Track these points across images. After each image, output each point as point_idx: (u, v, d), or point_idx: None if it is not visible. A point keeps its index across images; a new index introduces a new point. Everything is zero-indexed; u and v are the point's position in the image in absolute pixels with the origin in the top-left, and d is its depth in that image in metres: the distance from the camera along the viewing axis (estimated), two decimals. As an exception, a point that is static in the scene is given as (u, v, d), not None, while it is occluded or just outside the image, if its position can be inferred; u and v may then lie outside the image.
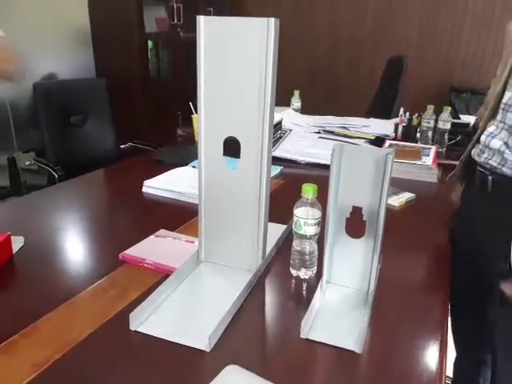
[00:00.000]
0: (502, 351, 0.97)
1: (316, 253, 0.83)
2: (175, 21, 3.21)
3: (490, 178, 0.94)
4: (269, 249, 0.87)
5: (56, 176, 1.96)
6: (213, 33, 0.72)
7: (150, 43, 3.41)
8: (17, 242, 0.92)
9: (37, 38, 2.48)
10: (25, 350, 0.63)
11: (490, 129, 0.94)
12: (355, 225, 0.76)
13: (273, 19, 0.68)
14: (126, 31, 3.21)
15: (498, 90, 0.94)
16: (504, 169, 0.90)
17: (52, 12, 2.57)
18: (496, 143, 0.91)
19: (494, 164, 0.92)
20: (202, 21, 0.72)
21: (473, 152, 1.01)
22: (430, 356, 0.65)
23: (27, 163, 2.55)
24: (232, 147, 0.78)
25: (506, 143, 0.89)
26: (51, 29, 2.58)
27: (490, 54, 2.96)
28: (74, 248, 0.97)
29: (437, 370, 0.62)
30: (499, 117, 0.92)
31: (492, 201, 0.96)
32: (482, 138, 0.96)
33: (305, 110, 2.17)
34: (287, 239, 0.94)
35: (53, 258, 0.90)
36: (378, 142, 1.72)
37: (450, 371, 1.33)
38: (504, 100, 0.91)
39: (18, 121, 2.45)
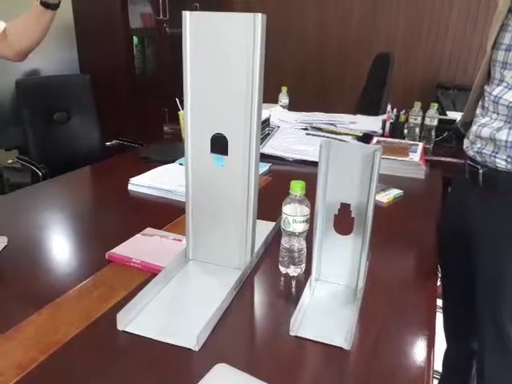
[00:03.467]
0: (489, 342, 0.98)
1: (305, 250, 0.82)
2: (161, 16, 3.18)
3: (480, 171, 0.95)
4: (257, 246, 0.87)
5: (40, 174, 1.92)
6: (199, 28, 0.71)
7: (135, 39, 3.36)
8: (0, 242, 0.90)
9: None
10: (9, 351, 0.62)
11: (483, 120, 0.95)
12: (343, 222, 0.76)
13: (259, 14, 0.68)
14: (111, 27, 3.17)
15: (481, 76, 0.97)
16: (497, 159, 0.91)
17: (34, 7, 2.52)
18: (486, 131, 0.92)
19: (488, 153, 0.93)
20: (187, 16, 0.71)
21: (464, 145, 1.02)
22: (418, 351, 0.65)
23: (10, 161, 2.50)
24: (219, 144, 0.77)
25: (498, 129, 0.90)
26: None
27: (476, 50, 3.00)
28: (59, 247, 0.95)
29: (425, 364, 0.63)
30: (491, 108, 0.94)
31: (483, 194, 0.97)
32: (474, 128, 0.97)
33: (292, 106, 2.17)
34: (276, 237, 0.94)
35: (37, 257, 0.88)
36: (366, 138, 1.73)
37: (437, 366, 1.35)
38: (494, 93, 0.92)
39: None
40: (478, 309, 1.00)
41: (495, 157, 0.91)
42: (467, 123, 1.08)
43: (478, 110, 0.99)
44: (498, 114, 0.92)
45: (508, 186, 0.91)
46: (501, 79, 0.91)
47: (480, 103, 0.99)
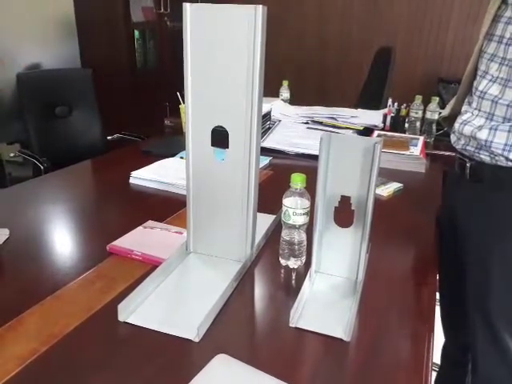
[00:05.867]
0: (480, 337, 0.99)
1: (305, 242, 0.83)
2: (162, 10, 3.17)
3: (468, 164, 0.95)
4: (258, 239, 0.87)
5: (42, 168, 1.93)
6: (199, 20, 0.71)
7: (136, 33, 3.35)
8: (1, 235, 0.90)
9: (20, 27, 2.42)
10: (10, 343, 0.62)
11: (464, 117, 0.95)
12: (344, 214, 0.76)
13: (260, 6, 0.67)
14: (112, 20, 3.15)
15: (469, 69, 0.97)
16: (482, 155, 0.91)
17: (36, 0, 2.51)
18: (467, 129, 0.93)
19: (472, 149, 0.93)
20: (188, 8, 0.71)
21: (452, 140, 1.02)
22: (417, 343, 0.66)
23: (11, 155, 2.50)
24: (220, 137, 0.77)
25: (478, 127, 0.90)
26: (35, 17, 2.52)
27: (476, 45, 2.98)
28: (61, 240, 0.95)
29: (424, 357, 0.63)
30: (474, 104, 0.94)
31: (470, 187, 0.97)
32: (456, 125, 0.97)
33: (294, 100, 2.16)
34: (276, 229, 0.94)
35: (39, 250, 0.89)
36: (367, 132, 1.72)
37: (436, 358, 1.35)
38: (480, 88, 0.92)
39: (1, 112, 2.40)
40: (468, 304, 1.01)
41: (479, 153, 0.92)
42: (447, 118, 1.09)
43: (464, 107, 0.99)
44: (479, 110, 0.92)
45: (493, 180, 0.91)
46: (485, 71, 0.91)
47: (466, 100, 1.00)
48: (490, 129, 0.88)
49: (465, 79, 1.00)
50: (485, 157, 0.91)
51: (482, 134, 0.89)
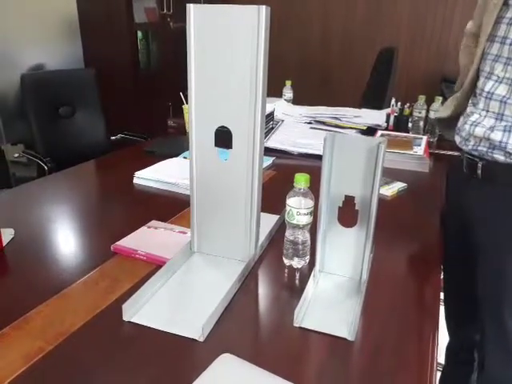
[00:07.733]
0: (490, 338, 0.99)
1: (309, 242, 0.83)
2: (165, 10, 3.17)
3: (479, 164, 0.95)
4: (262, 239, 0.87)
5: (46, 168, 1.94)
6: (203, 21, 0.71)
7: (139, 33, 3.36)
8: (6, 235, 0.91)
9: (24, 28, 2.43)
10: (16, 342, 0.63)
11: (473, 118, 0.95)
12: (347, 214, 0.76)
13: (264, 7, 0.68)
14: (115, 21, 3.16)
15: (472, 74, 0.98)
16: (495, 155, 0.91)
17: (39, 1, 2.52)
18: (479, 131, 0.92)
19: (484, 149, 0.93)
20: (191, 9, 0.71)
21: (457, 141, 1.02)
22: (422, 343, 0.66)
23: (16, 155, 2.51)
24: (224, 138, 0.78)
25: (490, 128, 0.90)
26: (38, 18, 2.53)
27: (480, 44, 2.96)
28: (65, 240, 0.96)
29: (428, 357, 0.63)
30: (481, 105, 0.94)
31: (481, 186, 0.97)
32: (466, 127, 0.97)
33: (297, 100, 2.16)
34: (280, 229, 0.94)
35: (44, 250, 0.89)
36: (370, 132, 1.72)
37: (440, 358, 1.35)
38: (486, 89, 0.92)
39: (5, 112, 2.41)
40: (479, 305, 1.00)
41: (492, 152, 0.91)
42: (443, 119, 1.11)
43: (469, 108, 0.99)
44: (487, 111, 0.92)
45: (507, 179, 0.91)
46: (490, 72, 0.91)
47: (470, 101, 0.99)
48: (504, 130, 0.88)
49: (468, 81, 1.00)
50: (498, 156, 0.90)
51: (496, 136, 0.89)
